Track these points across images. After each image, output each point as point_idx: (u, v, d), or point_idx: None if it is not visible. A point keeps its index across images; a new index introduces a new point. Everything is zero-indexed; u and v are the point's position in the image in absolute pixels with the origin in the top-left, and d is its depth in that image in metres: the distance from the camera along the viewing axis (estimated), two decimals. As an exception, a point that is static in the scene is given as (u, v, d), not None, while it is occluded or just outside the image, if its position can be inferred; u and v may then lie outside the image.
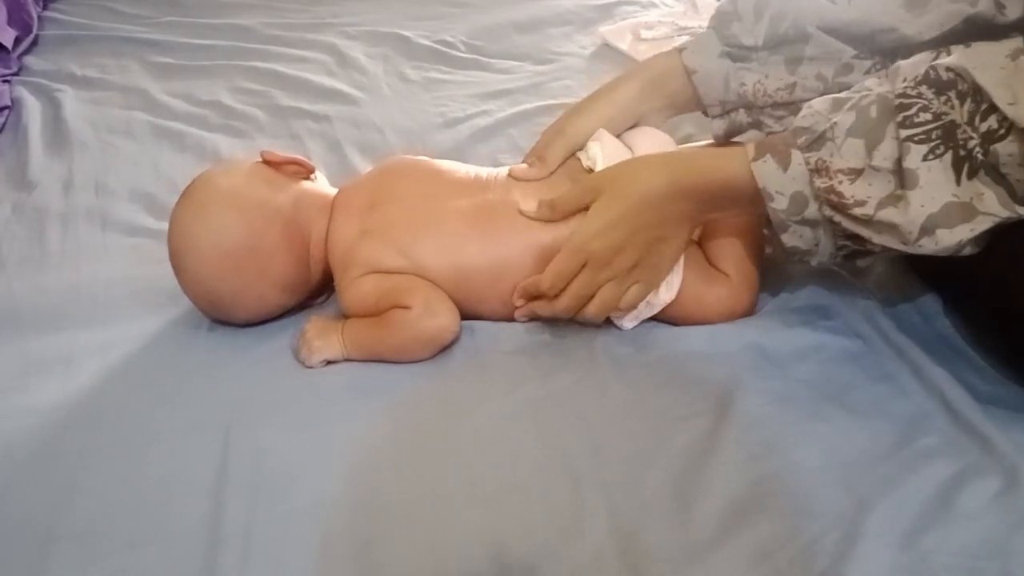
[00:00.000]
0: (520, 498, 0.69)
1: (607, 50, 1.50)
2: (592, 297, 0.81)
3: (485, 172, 0.92)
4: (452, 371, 0.82)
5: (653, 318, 0.85)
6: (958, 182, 0.65)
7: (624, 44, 1.48)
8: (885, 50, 0.83)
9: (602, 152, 0.88)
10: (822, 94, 0.80)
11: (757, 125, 0.93)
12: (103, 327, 0.88)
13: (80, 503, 0.70)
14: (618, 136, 0.93)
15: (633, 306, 0.82)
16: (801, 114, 0.73)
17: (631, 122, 0.94)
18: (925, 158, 0.65)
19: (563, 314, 0.82)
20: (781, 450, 0.71)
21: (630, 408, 0.77)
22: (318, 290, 0.91)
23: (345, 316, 0.86)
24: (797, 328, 0.83)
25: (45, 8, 1.67)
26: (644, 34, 1.49)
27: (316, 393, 0.80)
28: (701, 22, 1.50)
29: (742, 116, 0.93)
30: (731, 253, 0.86)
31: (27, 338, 0.87)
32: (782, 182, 0.72)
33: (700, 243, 0.87)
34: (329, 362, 0.83)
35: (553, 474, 0.71)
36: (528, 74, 1.43)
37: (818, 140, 0.70)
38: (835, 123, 0.69)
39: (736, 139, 0.96)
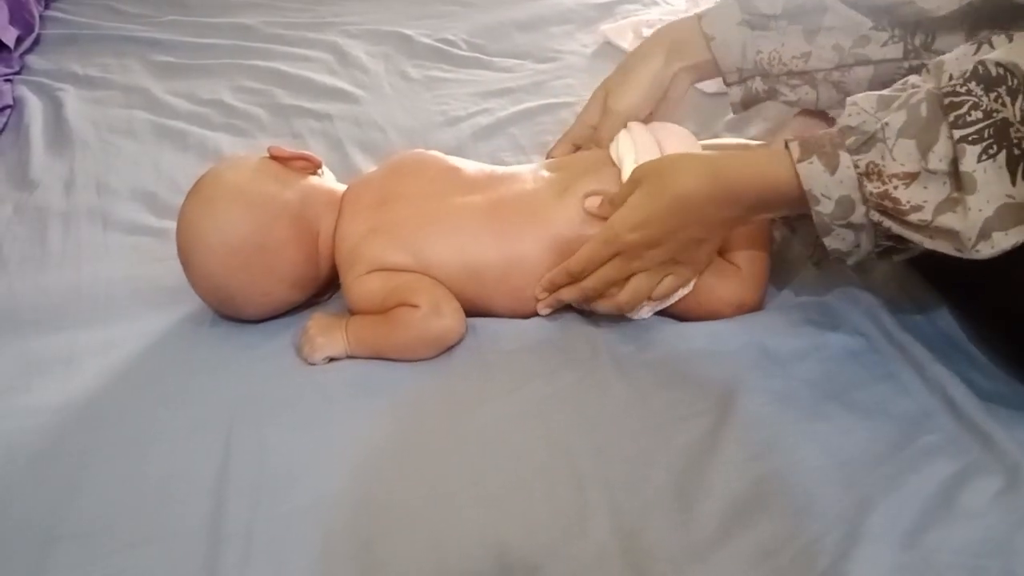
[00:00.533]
0: (522, 497, 0.69)
1: (609, 48, 1.50)
2: (620, 283, 0.81)
3: (496, 169, 0.92)
4: (454, 369, 0.82)
5: (663, 311, 0.85)
6: (1013, 182, 0.62)
7: (625, 42, 1.48)
8: (904, 22, 0.82)
9: (633, 147, 0.88)
10: (838, 65, 0.79)
11: (772, 94, 0.93)
12: (104, 326, 0.88)
13: (81, 503, 0.70)
14: (646, 119, 0.95)
15: (666, 296, 0.82)
16: (846, 112, 0.70)
17: (663, 88, 0.96)
18: (980, 159, 0.63)
19: (590, 294, 0.82)
20: (782, 449, 0.71)
21: (632, 407, 0.77)
22: (324, 287, 0.92)
23: (350, 313, 0.86)
24: (799, 326, 0.83)
25: (47, 7, 1.66)
26: (645, 32, 1.48)
27: (318, 391, 0.80)
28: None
29: (758, 84, 0.93)
30: (742, 246, 0.86)
31: (28, 338, 0.87)
32: (829, 185, 0.69)
33: None
34: (331, 359, 0.83)
35: (555, 473, 0.71)
36: (529, 72, 1.43)
37: (868, 142, 0.68)
38: (886, 123, 0.67)
39: (764, 126, 0.98)
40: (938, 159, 0.65)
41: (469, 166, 0.92)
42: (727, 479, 0.69)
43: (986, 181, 0.63)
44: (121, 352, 0.85)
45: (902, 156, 0.66)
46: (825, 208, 0.70)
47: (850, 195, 0.69)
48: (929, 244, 0.67)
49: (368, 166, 1.14)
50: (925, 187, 0.66)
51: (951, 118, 0.64)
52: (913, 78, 0.70)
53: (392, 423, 0.76)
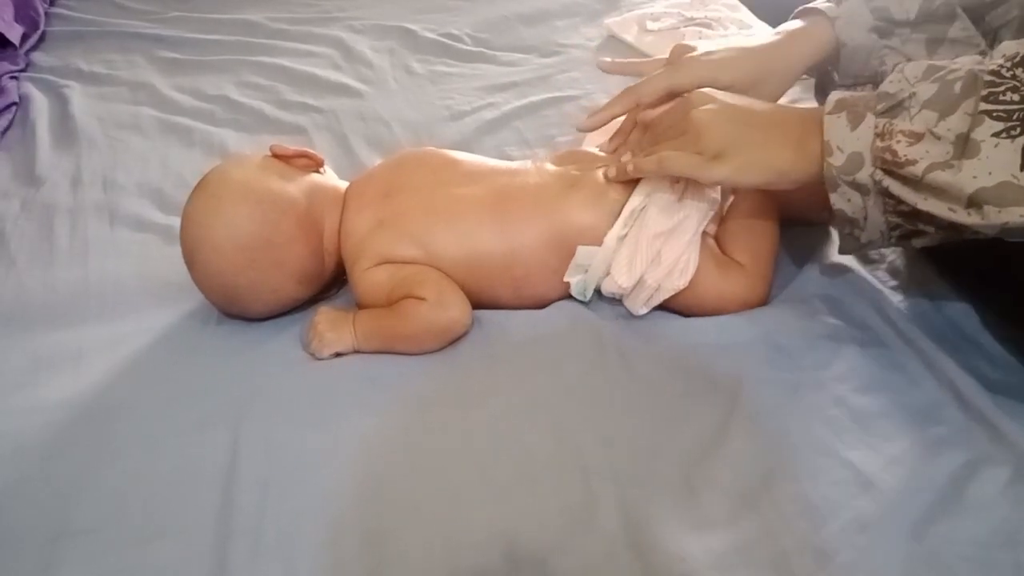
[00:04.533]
0: (530, 490, 0.69)
1: (613, 42, 1.49)
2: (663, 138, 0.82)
3: (496, 162, 0.93)
4: (462, 363, 0.82)
5: (667, 308, 0.85)
6: (1022, 167, 0.63)
7: (630, 36, 1.48)
8: (986, 32, 0.84)
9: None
10: None
11: None
12: (112, 322, 0.89)
13: (91, 498, 0.70)
14: None
15: (671, 170, 0.80)
16: (889, 78, 0.72)
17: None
18: (997, 135, 0.64)
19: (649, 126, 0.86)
20: (791, 441, 0.71)
21: (640, 399, 0.77)
22: (330, 283, 0.92)
23: (357, 306, 0.86)
24: (807, 319, 0.83)
25: (52, 4, 1.67)
26: (650, 25, 1.48)
27: (326, 386, 0.80)
28: (708, 13, 1.50)
29: (868, 90, 0.93)
30: (746, 243, 0.85)
31: (37, 334, 0.87)
32: (846, 139, 0.71)
33: (715, 233, 0.87)
34: (339, 354, 0.83)
35: (563, 466, 0.71)
36: (534, 67, 1.43)
37: (894, 107, 0.70)
38: (914, 93, 0.69)
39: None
40: (947, 128, 0.66)
41: (470, 159, 0.93)
42: (736, 471, 0.69)
43: (993, 155, 0.64)
44: (129, 348, 0.85)
45: (919, 123, 0.67)
46: (836, 160, 0.72)
47: (862, 152, 0.71)
48: (923, 205, 0.68)
49: (373, 161, 1.14)
50: (927, 149, 0.67)
51: (985, 93, 0.65)
52: (970, 56, 0.70)
53: (399, 417, 0.76)
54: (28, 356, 0.85)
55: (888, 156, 0.69)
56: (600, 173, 0.87)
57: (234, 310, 0.87)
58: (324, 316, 0.84)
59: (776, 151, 0.76)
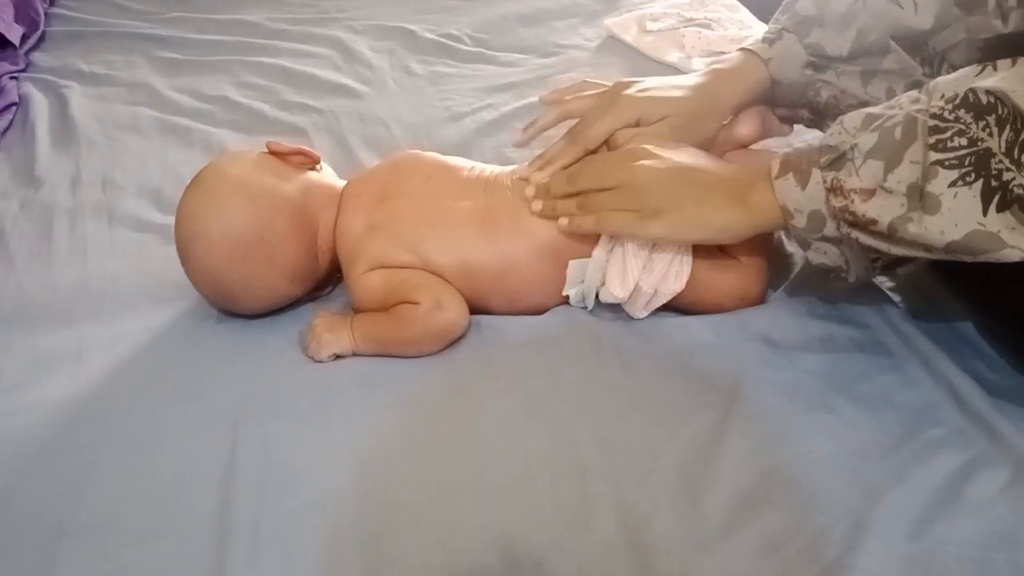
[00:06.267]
0: (528, 491, 0.69)
1: (613, 42, 1.50)
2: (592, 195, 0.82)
3: (491, 171, 0.92)
4: (459, 365, 0.82)
5: (665, 306, 0.85)
6: (985, 212, 0.63)
7: (630, 36, 1.48)
8: (930, 59, 0.84)
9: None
10: None
11: (817, 124, 0.93)
12: (112, 322, 0.89)
13: (90, 497, 0.70)
14: None
15: (612, 230, 0.81)
16: (830, 130, 0.72)
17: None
18: (954, 184, 0.63)
19: (579, 178, 0.84)
20: (789, 441, 0.71)
21: (637, 400, 0.77)
22: (325, 280, 0.92)
23: (354, 310, 0.86)
24: (804, 318, 0.83)
25: (52, 5, 1.67)
26: (650, 26, 1.48)
27: (324, 387, 0.80)
28: (707, 13, 1.50)
29: (805, 113, 0.93)
30: (741, 243, 0.85)
31: (36, 333, 0.87)
32: (800, 200, 0.72)
33: None
34: (337, 356, 0.83)
35: (561, 467, 0.71)
36: (534, 67, 1.43)
37: (838, 160, 0.69)
38: (856, 144, 0.68)
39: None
40: (896, 180, 0.66)
41: (464, 167, 0.92)
42: (733, 471, 0.69)
43: (955, 206, 0.63)
44: (128, 347, 0.85)
45: (867, 176, 0.67)
46: (799, 222, 0.72)
47: (820, 210, 0.71)
48: (896, 251, 0.68)
49: (372, 162, 1.14)
50: (882, 204, 0.67)
51: (932, 140, 0.64)
52: (904, 97, 0.70)
53: (397, 418, 0.76)
54: (28, 355, 0.85)
55: (849, 217, 0.69)
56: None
57: (228, 306, 0.87)
58: (322, 318, 0.84)
59: (715, 209, 0.77)
